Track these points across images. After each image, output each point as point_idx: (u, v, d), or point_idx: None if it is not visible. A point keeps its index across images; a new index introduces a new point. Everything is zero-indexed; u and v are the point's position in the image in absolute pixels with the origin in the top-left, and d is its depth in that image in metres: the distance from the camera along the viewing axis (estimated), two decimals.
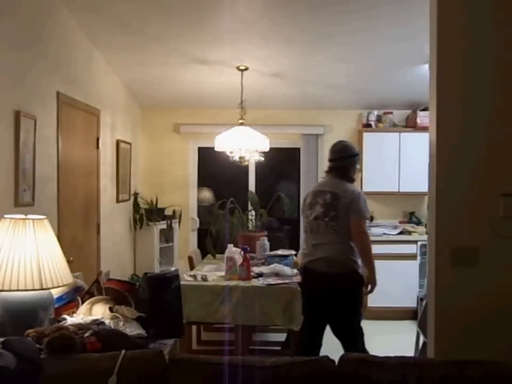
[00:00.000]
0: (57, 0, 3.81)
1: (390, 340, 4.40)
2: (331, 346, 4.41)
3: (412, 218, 6.47)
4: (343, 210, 3.56)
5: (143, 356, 1.86)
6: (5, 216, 2.17)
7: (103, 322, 2.13)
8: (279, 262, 4.50)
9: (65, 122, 3.98)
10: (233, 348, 4.04)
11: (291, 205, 5.37)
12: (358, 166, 3.84)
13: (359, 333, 3.64)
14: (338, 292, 3.53)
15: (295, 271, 4.37)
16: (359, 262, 3.62)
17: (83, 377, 1.78)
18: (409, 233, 6.15)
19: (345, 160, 3.72)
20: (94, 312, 2.28)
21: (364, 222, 3.60)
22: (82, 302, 2.38)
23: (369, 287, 3.64)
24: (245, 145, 4.99)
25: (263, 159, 5.39)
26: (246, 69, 5.07)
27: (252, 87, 5.27)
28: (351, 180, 3.75)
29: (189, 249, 6.19)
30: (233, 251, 4.25)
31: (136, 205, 6.13)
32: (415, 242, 5.97)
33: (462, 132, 2.52)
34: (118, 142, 5.48)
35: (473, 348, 2.43)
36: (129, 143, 5.93)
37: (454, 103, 2.53)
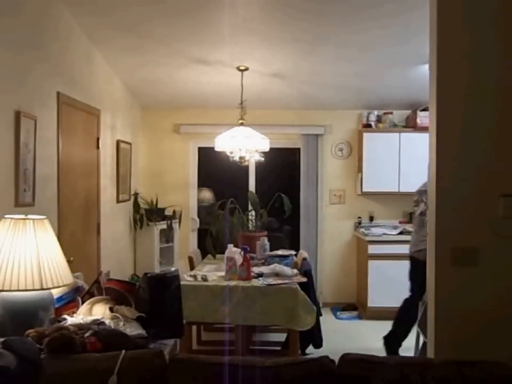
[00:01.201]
0: (58, 2, 3.81)
1: None
2: (331, 346, 4.44)
3: (412, 218, 6.46)
4: None
5: (143, 356, 1.86)
6: (5, 216, 2.17)
7: (103, 322, 2.13)
8: (279, 262, 4.50)
9: (66, 122, 3.98)
10: (233, 348, 4.04)
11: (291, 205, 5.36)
12: None
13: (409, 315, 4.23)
14: None
15: (295, 271, 4.37)
16: None
17: (83, 377, 1.78)
18: (409, 233, 6.10)
19: None
20: (94, 312, 2.28)
21: None
22: (83, 302, 2.38)
23: None
24: (245, 145, 4.98)
25: (263, 159, 5.39)
26: (246, 69, 5.07)
27: (252, 87, 5.27)
28: None
29: (189, 249, 6.19)
30: (233, 251, 4.25)
31: (136, 205, 6.13)
32: None
33: (462, 132, 2.53)
34: (118, 142, 5.48)
35: (473, 348, 2.44)
36: (130, 143, 5.93)
37: (454, 103, 2.54)
